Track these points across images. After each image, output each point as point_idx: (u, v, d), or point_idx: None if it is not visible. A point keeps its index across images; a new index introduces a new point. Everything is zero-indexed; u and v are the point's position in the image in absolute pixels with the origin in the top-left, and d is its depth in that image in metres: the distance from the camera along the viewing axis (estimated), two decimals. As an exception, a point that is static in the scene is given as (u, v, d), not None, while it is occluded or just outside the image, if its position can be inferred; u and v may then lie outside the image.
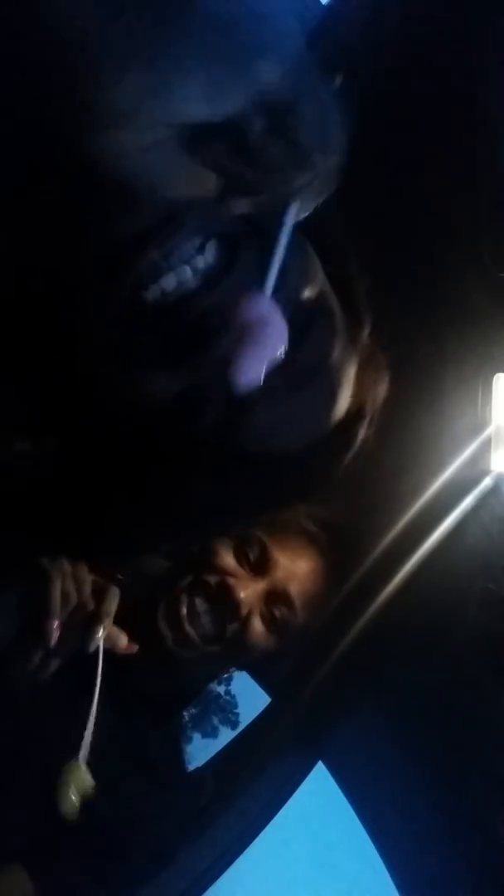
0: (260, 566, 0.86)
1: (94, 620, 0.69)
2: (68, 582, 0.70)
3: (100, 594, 0.71)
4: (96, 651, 0.69)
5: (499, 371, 0.99)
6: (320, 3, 1.67)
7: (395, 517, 1.11)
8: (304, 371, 0.62)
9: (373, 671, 1.31)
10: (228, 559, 0.86)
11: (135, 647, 0.74)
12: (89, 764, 0.68)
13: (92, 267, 0.53)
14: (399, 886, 1.27)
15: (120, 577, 0.82)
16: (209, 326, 0.55)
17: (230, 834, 1.34)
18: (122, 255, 0.53)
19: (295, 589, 0.87)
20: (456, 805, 1.15)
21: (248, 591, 0.84)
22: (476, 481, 1.01)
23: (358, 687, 1.35)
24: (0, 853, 0.72)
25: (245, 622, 0.83)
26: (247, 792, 1.39)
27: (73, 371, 0.59)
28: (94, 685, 0.69)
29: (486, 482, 1.01)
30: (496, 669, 1.03)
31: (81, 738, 0.68)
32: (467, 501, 1.02)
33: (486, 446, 1.01)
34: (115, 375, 0.57)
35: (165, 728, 0.90)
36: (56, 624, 0.67)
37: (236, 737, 1.55)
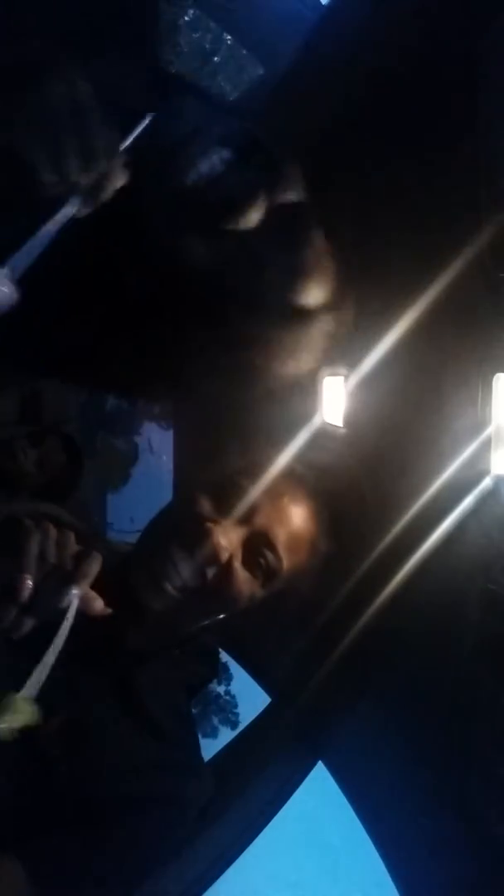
0: (242, 510, 0.83)
1: (69, 580, 0.69)
2: (49, 542, 0.70)
3: (81, 557, 0.71)
4: (68, 607, 0.69)
5: (499, 371, 0.99)
6: (321, 2, 1.67)
7: (395, 517, 1.11)
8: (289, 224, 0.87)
9: (373, 672, 1.31)
10: (205, 505, 0.84)
11: (108, 611, 0.73)
12: (38, 701, 0.67)
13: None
14: (399, 887, 1.27)
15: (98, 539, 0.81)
16: (232, 202, 0.82)
17: (230, 834, 1.34)
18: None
19: (277, 532, 0.84)
20: (456, 805, 1.15)
21: (228, 536, 0.81)
22: (476, 482, 1.01)
23: (358, 687, 1.35)
24: None
25: (226, 567, 0.81)
26: (247, 792, 1.39)
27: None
28: (59, 630, 0.68)
29: (486, 483, 1.01)
30: (496, 669, 1.03)
31: (31, 673, 0.67)
32: (467, 502, 1.02)
33: (486, 446, 1.01)
34: (168, 241, 0.80)
35: (164, 694, 0.88)
36: (28, 581, 0.67)
37: (236, 737, 1.56)
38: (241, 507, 0.83)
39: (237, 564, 0.81)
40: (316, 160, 1.40)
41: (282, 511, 0.85)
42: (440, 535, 1.06)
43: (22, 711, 0.66)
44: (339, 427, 1.39)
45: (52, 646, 0.68)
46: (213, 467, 0.93)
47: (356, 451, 1.33)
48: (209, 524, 0.81)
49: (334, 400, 1.41)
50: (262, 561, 0.83)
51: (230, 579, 0.81)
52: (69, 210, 0.72)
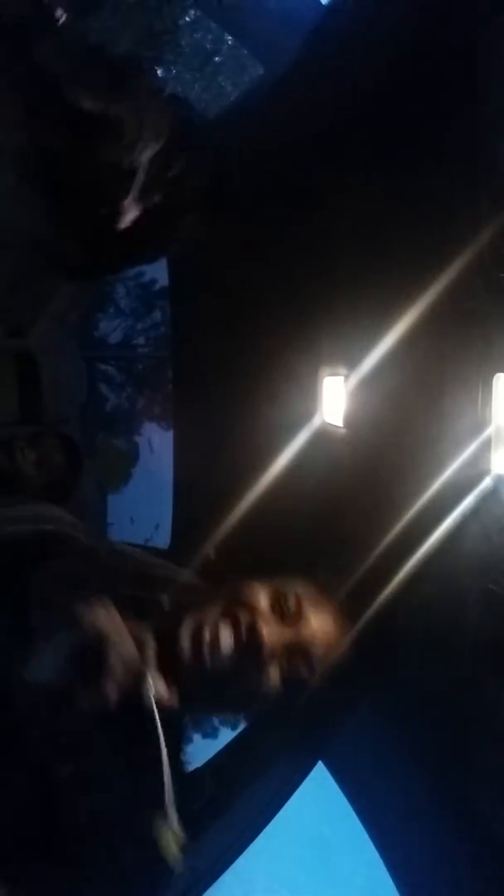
0: (292, 619, 0.87)
1: (143, 678, 0.72)
2: (122, 643, 0.72)
3: (140, 645, 0.74)
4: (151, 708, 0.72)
5: (499, 371, 0.99)
6: (321, 2, 1.67)
7: (395, 517, 1.11)
8: None
9: (373, 672, 1.31)
10: (264, 602, 0.88)
11: (176, 703, 0.76)
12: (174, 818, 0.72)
13: None
14: (399, 887, 1.27)
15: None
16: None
17: (230, 834, 1.34)
18: None
19: (317, 649, 0.89)
20: (456, 805, 1.15)
21: (275, 640, 0.84)
22: (476, 482, 1.01)
23: (358, 687, 1.35)
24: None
25: (262, 667, 0.84)
26: (246, 792, 1.39)
27: None
28: (159, 748, 0.72)
29: (486, 483, 1.01)
30: (497, 670, 1.03)
31: (162, 801, 0.72)
32: (467, 502, 1.02)
33: (486, 446, 1.01)
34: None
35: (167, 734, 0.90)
36: (113, 685, 0.70)
37: (236, 737, 1.55)
38: (294, 616, 0.87)
39: (273, 669, 0.85)
40: (316, 160, 1.40)
41: (324, 628, 0.89)
42: (441, 535, 1.06)
43: (178, 839, 0.72)
44: (339, 427, 1.39)
45: (164, 767, 0.72)
46: (276, 568, 0.98)
47: (356, 451, 1.33)
48: (261, 622, 0.84)
49: (334, 400, 1.42)
50: (293, 671, 0.87)
51: (262, 680, 0.85)
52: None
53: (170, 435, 2.34)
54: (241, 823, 1.37)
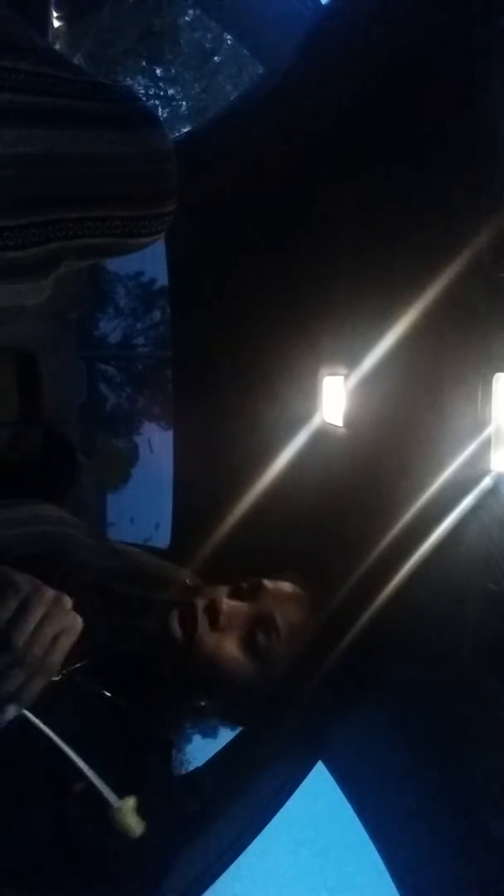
0: (251, 594, 0.92)
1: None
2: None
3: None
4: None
5: (499, 371, 0.99)
6: (321, 2, 1.67)
7: (395, 517, 1.11)
8: None
9: (373, 671, 1.31)
10: (221, 590, 0.95)
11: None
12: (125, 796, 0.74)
13: None
14: (399, 887, 1.27)
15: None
16: None
17: (230, 834, 1.34)
18: None
19: (279, 616, 0.92)
20: (457, 806, 1.15)
21: (235, 611, 0.90)
22: (476, 481, 1.01)
23: (358, 687, 1.35)
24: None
25: (223, 636, 0.87)
26: (246, 792, 1.39)
27: None
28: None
29: (486, 482, 1.01)
30: (496, 669, 1.03)
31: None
32: (467, 501, 1.02)
33: (486, 446, 1.01)
34: None
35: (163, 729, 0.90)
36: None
37: (236, 737, 1.55)
38: (252, 591, 0.94)
39: (232, 638, 0.91)
40: (315, 160, 1.41)
41: (283, 599, 0.96)
42: (440, 535, 1.06)
43: (132, 811, 0.75)
44: (339, 427, 1.39)
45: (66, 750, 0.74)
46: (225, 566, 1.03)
47: (356, 451, 1.33)
48: (220, 602, 0.91)
49: (334, 400, 1.41)
50: (260, 640, 0.92)
51: (222, 650, 0.88)
52: None
53: (170, 435, 2.34)
54: (241, 823, 1.37)
